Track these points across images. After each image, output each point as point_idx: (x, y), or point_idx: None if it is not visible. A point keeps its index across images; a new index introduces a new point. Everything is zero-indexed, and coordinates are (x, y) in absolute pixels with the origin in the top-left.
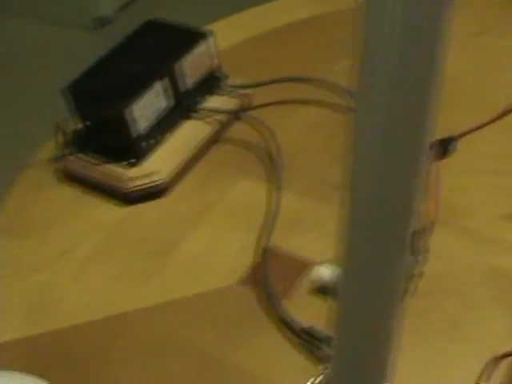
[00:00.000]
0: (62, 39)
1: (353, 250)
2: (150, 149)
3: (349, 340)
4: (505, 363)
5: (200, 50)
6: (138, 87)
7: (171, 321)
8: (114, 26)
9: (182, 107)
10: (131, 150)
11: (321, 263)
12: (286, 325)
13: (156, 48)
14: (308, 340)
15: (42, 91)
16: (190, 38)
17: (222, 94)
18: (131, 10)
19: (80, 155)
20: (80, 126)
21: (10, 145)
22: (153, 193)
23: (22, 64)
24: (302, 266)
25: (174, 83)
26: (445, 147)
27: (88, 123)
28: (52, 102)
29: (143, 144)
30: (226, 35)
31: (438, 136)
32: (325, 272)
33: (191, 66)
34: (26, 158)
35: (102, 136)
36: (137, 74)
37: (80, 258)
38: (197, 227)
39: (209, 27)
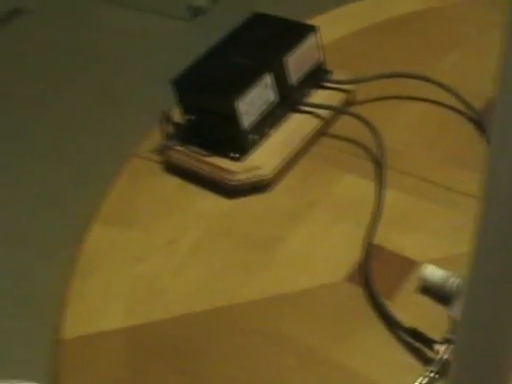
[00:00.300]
0: (159, 28)
1: (486, 258)
2: (255, 143)
3: (472, 347)
4: None
5: (307, 44)
6: (247, 80)
7: (275, 315)
8: (208, 16)
9: (288, 101)
10: (237, 143)
11: (428, 263)
12: (391, 324)
13: (264, 41)
14: (413, 340)
15: (143, 79)
16: (298, 31)
17: (326, 89)
18: (225, 1)
19: (185, 146)
20: (186, 117)
21: (114, 134)
22: (257, 186)
23: (122, 52)
24: (407, 265)
25: (281, 77)
26: None
27: (195, 115)
28: (152, 91)
29: (249, 138)
30: (328, 29)
31: None
32: (433, 273)
33: (298, 60)
34: (131, 147)
35: (208, 128)
36: (245, 66)
37: (184, 250)
38: (301, 222)
39: (310, 21)
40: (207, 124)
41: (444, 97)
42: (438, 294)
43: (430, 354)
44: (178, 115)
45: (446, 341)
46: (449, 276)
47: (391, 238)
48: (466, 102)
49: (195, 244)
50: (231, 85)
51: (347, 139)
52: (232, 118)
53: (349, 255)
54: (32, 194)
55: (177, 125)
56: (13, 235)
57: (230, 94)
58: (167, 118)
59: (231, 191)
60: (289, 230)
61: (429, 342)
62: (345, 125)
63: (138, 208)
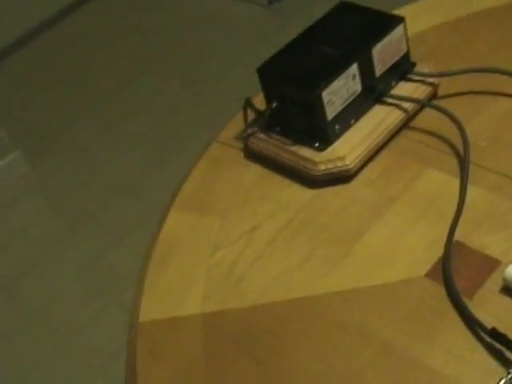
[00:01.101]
0: (237, 14)
1: None
2: (339, 133)
3: None
4: None
5: (395, 35)
6: (333, 70)
7: (354, 308)
8: (285, 2)
9: (372, 93)
10: (321, 133)
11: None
12: (472, 324)
13: (351, 31)
14: (493, 342)
15: (223, 65)
16: (385, 22)
17: (410, 82)
18: None
19: (267, 134)
20: (270, 105)
21: (195, 119)
22: (338, 178)
23: (201, 37)
24: (490, 265)
25: (367, 68)
26: None
27: (279, 103)
28: (231, 77)
29: (334, 128)
30: (413, 21)
31: None
32: None
33: (384, 51)
34: (212, 133)
35: (291, 117)
36: (332, 56)
37: (262, 239)
38: (382, 216)
39: (396, 12)
40: (291, 113)
41: None
42: None
43: (510, 356)
44: (261, 103)
45: None
46: None
47: (473, 236)
48: None
49: (274, 234)
50: (317, 74)
51: (430, 133)
52: (317, 107)
53: (429, 251)
54: (110, 178)
55: (260, 112)
56: (91, 219)
57: (316, 84)
58: (250, 105)
59: (312, 182)
60: (369, 223)
61: (510, 344)
62: (428, 118)
63: (217, 195)
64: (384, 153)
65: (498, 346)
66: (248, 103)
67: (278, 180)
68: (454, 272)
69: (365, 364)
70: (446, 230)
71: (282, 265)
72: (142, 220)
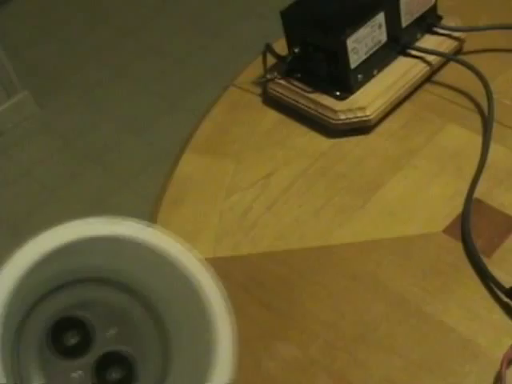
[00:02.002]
0: None
1: None
2: (361, 83)
3: None
4: None
5: None
6: (359, 17)
7: (369, 260)
8: None
9: (397, 44)
10: (343, 82)
11: None
12: (488, 282)
13: None
14: (510, 301)
15: (243, 9)
16: None
17: (435, 35)
18: None
19: (287, 81)
20: (291, 51)
21: (213, 64)
22: (358, 128)
23: None
24: (509, 223)
25: (393, 18)
26: None
27: (301, 49)
28: (253, 21)
29: (356, 77)
30: None
31: None
32: None
33: (412, 2)
34: (230, 78)
35: (313, 64)
36: (359, 2)
37: (278, 186)
38: (401, 169)
39: None
40: (313, 59)
41: None
42: None
43: None
44: (282, 48)
45: None
46: None
47: (494, 195)
48: None
49: (290, 181)
50: (342, 20)
51: (454, 88)
52: (340, 55)
53: (448, 207)
54: (120, 120)
55: (281, 58)
56: (98, 161)
57: (341, 31)
58: (271, 51)
59: (330, 130)
60: (387, 175)
61: None
62: (452, 73)
63: (233, 139)
64: (406, 105)
65: None
66: (268, 48)
67: (295, 127)
68: (473, 229)
69: (377, 316)
70: (466, 187)
71: (296, 212)
72: (150, 164)
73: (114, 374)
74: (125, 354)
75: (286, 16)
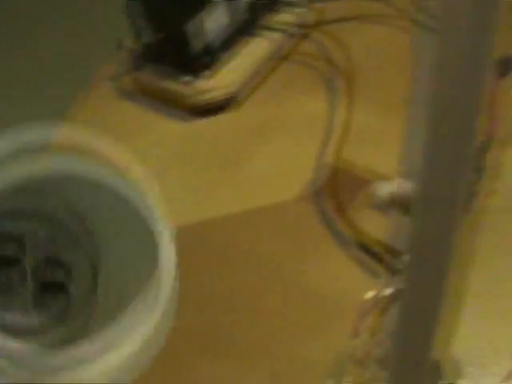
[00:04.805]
0: None
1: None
2: (211, 65)
3: (422, 253)
4: None
5: None
6: (198, 2)
7: (236, 231)
8: None
9: (246, 23)
10: (189, 67)
11: (379, 180)
12: (343, 240)
13: None
14: (363, 255)
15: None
16: None
17: (280, 13)
18: None
19: (142, 71)
20: (142, 41)
21: (73, 61)
22: (216, 108)
23: None
24: (364, 183)
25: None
26: (505, 66)
27: (148, 40)
28: (103, 16)
29: (201, 61)
30: None
31: (498, 55)
32: (382, 188)
33: None
34: (85, 74)
35: (161, 53)
36: None
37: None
38: (262, 142)
39: None
40: (160, 49)
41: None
42: (387, 210)
43: (379, 268)
44: (134, 41)
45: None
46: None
47: (344, 157)
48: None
49: (161, 165)
50: (181, 7)
51: (310, 60)
52: (182, 41)
53: (303, 173)
54: None
55: (134, 50)
56: None
57: (180, 17)
58: (120, 46)
59: (190, 113)
60: (249, 150)
61: (376, 256)
62: (311, 45)
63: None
64: (264, 82)
65: (366, 259)
66: (119, 43)
67: (158, 114)
68: (324, 192)
69: (242, 284)
70: (323, 153)
71: (172, 192)
72: None
73: (53, 276)
74: (61, 258)
75: (129, 9)
